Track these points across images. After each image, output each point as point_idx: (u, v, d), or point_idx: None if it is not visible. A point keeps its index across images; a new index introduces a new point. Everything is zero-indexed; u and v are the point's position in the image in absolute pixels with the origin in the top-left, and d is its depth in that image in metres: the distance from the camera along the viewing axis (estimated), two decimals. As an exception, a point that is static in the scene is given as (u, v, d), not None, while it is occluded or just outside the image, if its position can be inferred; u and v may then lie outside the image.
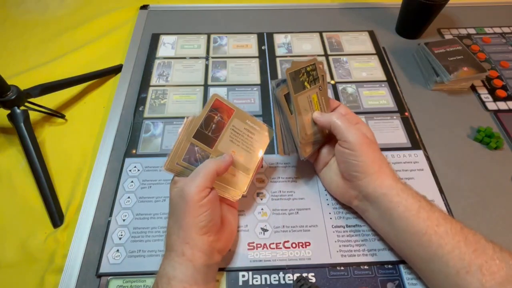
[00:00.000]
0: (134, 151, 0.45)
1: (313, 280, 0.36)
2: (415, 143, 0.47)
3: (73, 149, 0.49)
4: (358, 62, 0.57)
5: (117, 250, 0.37)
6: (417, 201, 0.33)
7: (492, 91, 0.53)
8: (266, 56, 0.58)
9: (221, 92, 0.52)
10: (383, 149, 0.45)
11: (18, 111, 0.46)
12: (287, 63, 0.57)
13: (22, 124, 0.46)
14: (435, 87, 0.53)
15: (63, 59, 0.59)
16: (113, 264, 0.36)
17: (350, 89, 0.53)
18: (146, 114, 0.49)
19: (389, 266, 0.37)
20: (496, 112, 0.51)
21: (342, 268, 0.36)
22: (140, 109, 0.50)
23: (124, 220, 0.40)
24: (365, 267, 0.36)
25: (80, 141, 0.49)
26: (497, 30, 0.63)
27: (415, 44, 0.59)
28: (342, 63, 0.57)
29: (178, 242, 0.31)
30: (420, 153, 0.46)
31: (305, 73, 0.37)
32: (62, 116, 0.52)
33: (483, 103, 0.52)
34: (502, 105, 0.51)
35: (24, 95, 0.47)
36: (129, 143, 0.46)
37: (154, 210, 0.40)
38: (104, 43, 0.63)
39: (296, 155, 0.40)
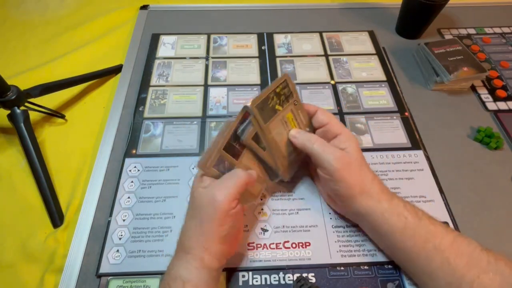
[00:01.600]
0: (134, 151, 0.45)
1: (313, 280, 0.36)
2: (415, 143, 0.47)
3: (73, 149, 0.49)
4: (358, 62, 0.57)
5: (117, 250, 0.37)
6: (403, 218, 0.32)
7: (492, 91, 0.53)
8: (266, 56, 0.58)
9: (221, 92, 0.52)
10: (383, 149, 0.46)
11: (18, 111, 0.46)
12: (287, 63, 0.57)
13: (22, 124, 0.46)
14: (435, 87, 0.53)
15: (63, 59, 0.59)
16: (113, 264, 0.36)
17: (350, 89, 0.53)
18: (146, 114, 0.49)
19: (389, 266, 0.36)
20: (496, 112, 0.50)
21: (342, 268, 0.36)
22: (140, 109, 0.50)
23: (124, 220, 0.40)
24: (365, 267, 0.36)
25: (80, 141, 0.49)
26: (497, 30, 0.63)
27: (415, 44, 0.59)
28: (342, 63, 0.57)
29: (197, 246, 0.31)
30: (420, 153, 0.46)
31: (274, 97, 0.35)
32: (62, 116, 0.52)
33: (483, 103, 0.52)
34: (502, 105, 0.51)
35: (24, 95, 0.47)
36: (129, 143, 0.46)
37: (154, 210, 0.40)
38: (104, 43, 0.63)
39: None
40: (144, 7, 0.68)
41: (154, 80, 0.54)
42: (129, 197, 0.41)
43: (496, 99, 0.52)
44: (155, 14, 0.66)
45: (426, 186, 0.42)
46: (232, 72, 0.55)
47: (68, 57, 0.59)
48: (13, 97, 0.45)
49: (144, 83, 0.53)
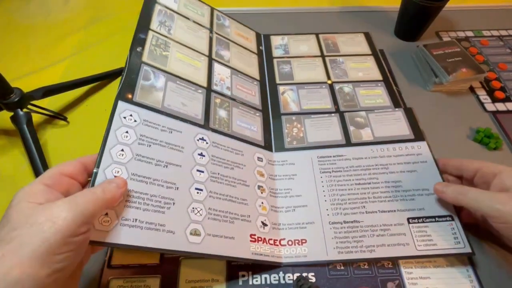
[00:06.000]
0: (130, 96, 0.37)
1: (313, 280, 0.36)
2: (418, 134, 0.46)
3: (75, 151, 0.49)
4: (354, 62, 0.57)
5: (106, 214, 0.29)
6: None
7: (490, 92, 0.54)
8: (264, 56, 0.58)
9: (226, 72, 0.50)
10: (385, 142, 0.45)
11: (21, 113, 0.47)
12: (284, 64, 0.57)
13: (24, 126, 0.46)
14: (434, 88, 0.53)
15: (65, 62, 0.60)
16: (100, 231, 0.28)
17: (347, 88, 0.54)
18: (145, 59, 0.42)
19: (389, 265, 0.37)
20: (495, 113, 0.51)
21: (342, 267, 0.36)
22: (138, 50, 0.42)
23: (115, 177, 0.31)
24: (365, 266, 0.37)
25: (82, 143, 0.50)
26: (495, 33, 0.64)
27: (414, 46, 0.59)
28: (338, 64, 0.57)
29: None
30: (423, 144, 0.45)
31: None
32: (64, 119, 0.52)
33: (481, 104, 0.52)
34: (500, 106, 0.52)
35: (27, 98, 0.47)
36: (124, 84, 0.38)
37: (154, 175, 0.33)
38: (106, 47, 0.63)
39: None
40: (145, 11, 0.68)
41: (154, 25, 0.46)
42: (122, 150, 0.33)
43: (494, 100, 0.53)
44: (157, 18, 0.67)
45: (429, 178, 0.41)
46: (234, 56, 0.53)
47: (70, 60, 0.60)
48: (16, 99, 0.46)
49: (143, 24, 0.45)
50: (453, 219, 0.38)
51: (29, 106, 0.48)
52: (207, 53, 0.50)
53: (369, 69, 0.56)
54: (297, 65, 0.57)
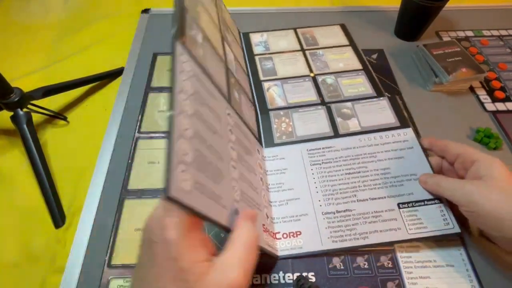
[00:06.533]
0: (184, 40, 0.30)
1: (313, 279, 0.36)
2: (404, 121, 0.47)
3: (75, 151, 0.49)
4: (334, 54, 0.58)
5: (183, 171, 0.23)
6: None
7: (490, 92, 0.54)
8: (245, 53, 0.58)
9: (231, 55, 0.48)
10: (372, 131, 0.46)
11: (21, 113, 0.47)
12: (266, 60, 0.57)
13: (24, 126, 0.46)
14: (434, 88, 0.53)
15: (65, 62, 0.60)
16: (182, 190, 0.21)
17: (330, 79, 0.54)
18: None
19: (389, 265, 0.37)
20: (495, 113, 0.51)
21: (342, 267, 0.36)
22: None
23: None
24: (365, 266, 0.37)
25: (82, 143, 0.50)
26: (495, 33, 0.64)
27: (414, 46, 0.59)
28: (318, 56, 0.58)
29: None
30: (409, 131, 0.45)
31: None
32: (64, 118, 0.52)
33: (481, 104, 0.52)
34: (500, 106, 0.52)
35: (27, 97, 0.47)
36: (178, 25, 0.30)
37: (208, 139, 0.28)
38: (106, 47, 0.63)
39: None
40: (145, 11, 0.69)
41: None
42: (186, 100, 0.26)
43: (494, 100, 0.53)
44: (156, 17, 0.67)
45: (416, 164, 0.42)
46: (232, 43, 0.52)
47: (70, 60, 0.60)
48: (16, 99, 0.46)
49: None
50: (441, 201, 0.38)
51: (29, 106, 0.48)
52: (218, 27, 0.44)
53: (348, 59, 0.57)
54: (279, 61, 0.57)
